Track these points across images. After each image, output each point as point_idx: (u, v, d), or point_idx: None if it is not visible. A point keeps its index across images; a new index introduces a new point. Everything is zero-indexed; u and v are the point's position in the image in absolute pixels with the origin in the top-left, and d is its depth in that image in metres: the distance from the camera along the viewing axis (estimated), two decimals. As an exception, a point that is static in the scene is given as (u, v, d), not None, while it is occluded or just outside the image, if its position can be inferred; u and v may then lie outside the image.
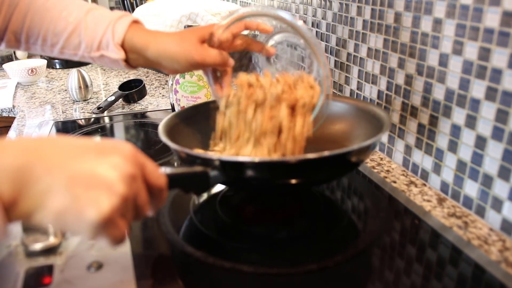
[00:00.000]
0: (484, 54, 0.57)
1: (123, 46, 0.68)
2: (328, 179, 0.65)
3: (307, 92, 0.61)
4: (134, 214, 0.42)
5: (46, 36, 0.70)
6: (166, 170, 0.50)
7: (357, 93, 0.88)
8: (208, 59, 0.64)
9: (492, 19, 0.56)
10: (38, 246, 0.54)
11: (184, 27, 0.81)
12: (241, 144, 0.61)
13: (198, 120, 0.72)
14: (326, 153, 0.52)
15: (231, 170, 0.54)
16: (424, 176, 0.72)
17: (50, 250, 0.54)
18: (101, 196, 0.37)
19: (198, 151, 0.62)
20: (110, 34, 0.67)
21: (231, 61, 0.67)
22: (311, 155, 0.52)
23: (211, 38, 0.65)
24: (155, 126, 0.98)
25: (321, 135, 0.70)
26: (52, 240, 0.55)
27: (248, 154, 0.61)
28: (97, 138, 0.54)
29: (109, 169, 0.38)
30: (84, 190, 0.36)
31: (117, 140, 0.42)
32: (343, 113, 0.72)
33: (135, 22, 0.70)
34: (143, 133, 0.95)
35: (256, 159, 0.55)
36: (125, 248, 0.54)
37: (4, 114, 1.15)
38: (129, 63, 0.69)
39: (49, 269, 0.50)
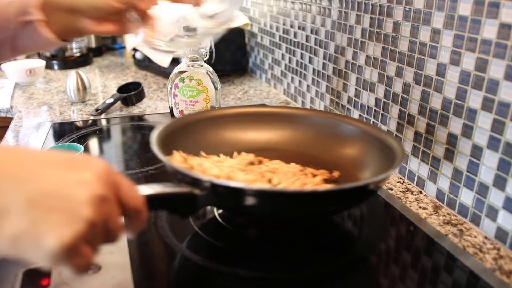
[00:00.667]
0: (482, 65, 0.58)
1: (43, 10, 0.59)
2: (331, 212, 0.61)
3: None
4: (104, 239, 0.37)
5: None
6: (146, 189, 0.44)
7: (354, 100, 0.89)
8: None
9: (489, 30, 0.57)
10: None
11: (183, 28, 0.81)
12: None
13: (194, 127, 0.72)
14: (332, 187, 0.52)
15: (225, 195, 0.49)
16: (420, 183, 0.72)
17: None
18: (63, 221, 0.32)
19: (189, 170, 0.54)
20: None
21: None
22: (321, 188, 0.52)
23: None
24: (153, 129, 0.98)
25: (330, 157, 0.70)
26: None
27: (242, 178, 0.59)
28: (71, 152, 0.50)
29: (76, 188, 0.34)
30: (44, 213, 0.32)
31: (90, 156, 0.38)
32: (354, 137, 0.68)
33: None
34: (140, 136, 0.96)
35: (255, 186, 0.50)
36: (124, 251, 0.54)
37: (2, 115, 1.15)
38: (52, 29, 0.61)
39: (47, 271, 0.50)
